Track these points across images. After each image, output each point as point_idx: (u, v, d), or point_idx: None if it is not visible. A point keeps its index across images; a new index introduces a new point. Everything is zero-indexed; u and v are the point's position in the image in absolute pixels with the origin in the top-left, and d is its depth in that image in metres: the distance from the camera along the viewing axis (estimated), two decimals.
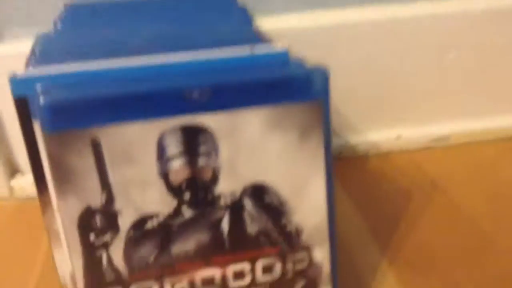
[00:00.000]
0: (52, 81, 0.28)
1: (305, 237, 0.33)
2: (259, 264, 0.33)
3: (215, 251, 0.32)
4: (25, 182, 0.58)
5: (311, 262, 0.34)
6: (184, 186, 0.31)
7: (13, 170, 0.59)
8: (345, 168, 0.61)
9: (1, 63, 0.49)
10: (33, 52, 0.33)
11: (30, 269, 0.48)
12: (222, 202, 0.31)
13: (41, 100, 0.27)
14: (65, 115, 0.27)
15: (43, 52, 0.32)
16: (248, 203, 0.32)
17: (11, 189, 0.58)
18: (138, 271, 0.31)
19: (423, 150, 0.64)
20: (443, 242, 0.49)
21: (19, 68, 0.30)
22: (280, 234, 0.33)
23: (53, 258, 0.33)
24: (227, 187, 0.31)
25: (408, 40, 0.59)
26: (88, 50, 0.32)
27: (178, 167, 0.30)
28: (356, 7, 0.58)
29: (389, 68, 0.60)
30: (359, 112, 0.61)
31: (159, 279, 0.32)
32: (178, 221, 0.31)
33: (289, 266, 0.34)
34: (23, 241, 0.52)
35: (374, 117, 0.63)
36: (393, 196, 0.56)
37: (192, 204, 0.31)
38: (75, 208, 0.29)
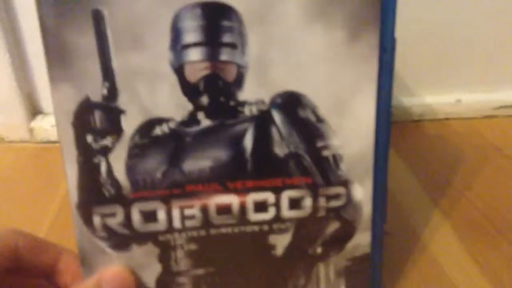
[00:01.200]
0: None
1: (344, 168, 0.27)
2: (285, 196, 0.27)
3: (234, 173, 0.27)
4: (47, 124, 0.55)
5: (348, 201, 0.28)
6: (202, 86, 0.25)
7: (35, 111, 0.56)
8: (397, 131, 0.54)
9: None
10: None
11: (47, 208, 0.45)
12: (247, 111, 0.26)
13: None
14: None
15: None
16: (277, 116, 0.26)
17: (31, 130, 0.55)
18: (142, 187, 0.26)
19: (483, 118, 0.58)
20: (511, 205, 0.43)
21: None
22: (314, 160, 0.27)
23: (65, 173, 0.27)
24: (253, 92, 0.26)
25: None
26: None
27: (195, 58, 0.25)
28: None
29: (451, 22, 0.53)
30: (415, 71, 0.55)
31: (166, 200, 0.27)
32: (192, 130, 0.26)
33: (322, 202, 0.28)
34: (41, 183, 0.49)
35: (431, 79, 0.56)
36: (452, 161, 0.50)
37: (210, 110, 0.26)
38: (70, 99, 0.25)
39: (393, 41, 0.27)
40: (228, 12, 0.24)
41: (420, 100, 0.57)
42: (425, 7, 0.52)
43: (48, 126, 0.55)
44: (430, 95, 0.57)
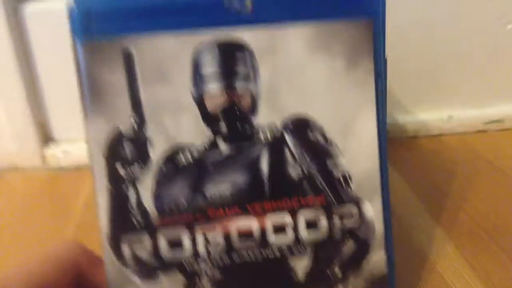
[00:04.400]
0: None
1: (353, 187, 0.29)
2: (301, 216, 0.29)
3: (253, 196, 0.28)
4: (59, 151, 0.57)
5: (361, 219, 0.29)
6: (220, 115, 0.28)
7: (47, 138, 0.58)
8: (393, 148, 0.57)
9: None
10: None
11: (62, 234, 0.46)
12: (262, 136, 0.28)
13: (73, 6, 0.25)
14: (97, 23, 0.25)
15: None
16: (290, 140, 0.28)
17: (43, 158, 0.57)
18: (167, 214, 0.28)
19: (475, 133, 0.60)
20: (505, 216, 0.45)
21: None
22: (325, 180, 0.29)
23: (96, 203, 0.28)
24: (266, 118, 0.28)
25: (464, 8, 0.55)
26: None
27: (214, 90, 0.27)
28: None
29: (442, 42, 0.55)
30: (408, 90, 0.57)
31: (190, 225, 0.28)
32: (213, 156, 0.28)
33: (336, 221, 0.29)
34: (55, 209, 0.51)
35: (424, 96, 0.58)
36: (447, 175, 0.52)
37: (229, 136, 0.28)
38: (103, 131, 0.27)
39: (385, 65, 0.29)
40: (241, 48, 0.27)
41: (414, 117, 0.59)
42: (416, 27, 0.55)
43: (59, 153, 0.56)
44: (423, 112, 0.59)
